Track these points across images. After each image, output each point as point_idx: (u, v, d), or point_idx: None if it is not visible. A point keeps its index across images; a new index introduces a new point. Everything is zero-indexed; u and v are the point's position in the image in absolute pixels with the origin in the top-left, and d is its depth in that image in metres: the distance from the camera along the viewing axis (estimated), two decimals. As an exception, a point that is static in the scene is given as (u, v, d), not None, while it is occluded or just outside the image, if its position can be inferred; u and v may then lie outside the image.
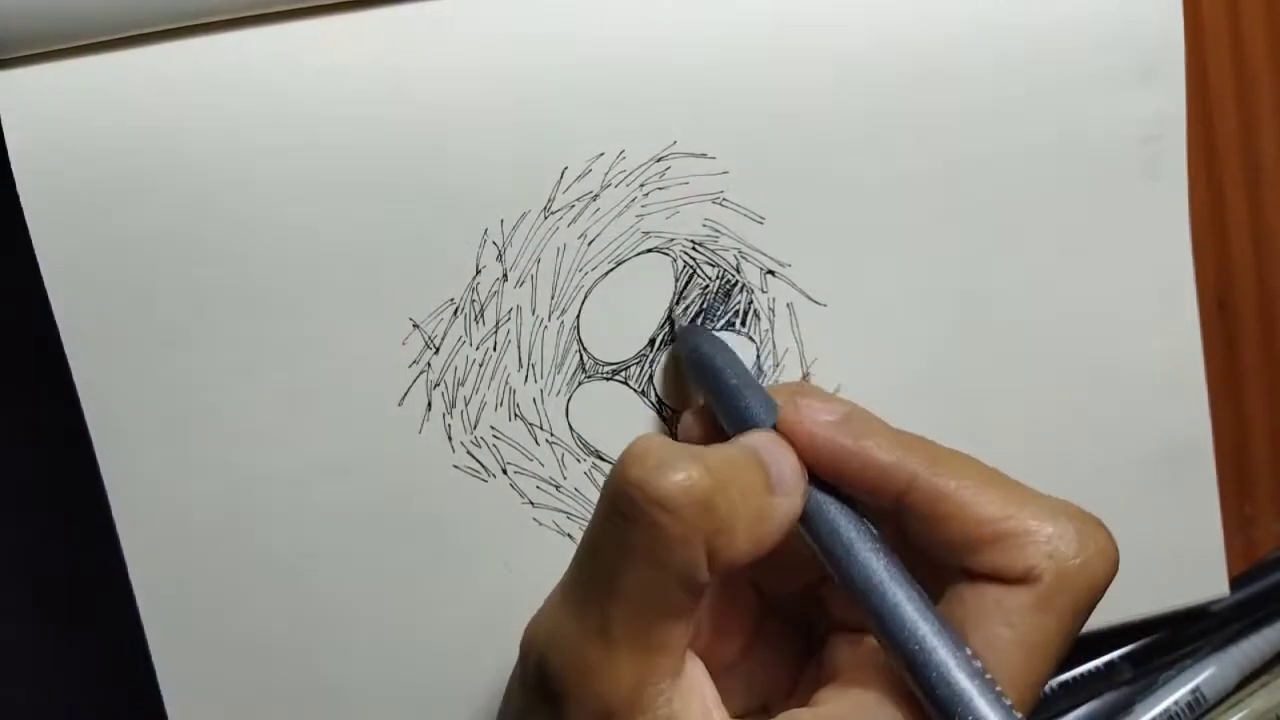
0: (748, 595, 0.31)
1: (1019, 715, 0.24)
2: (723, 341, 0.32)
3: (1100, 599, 0.26)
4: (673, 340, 0.33)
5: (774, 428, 0.28)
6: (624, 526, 0.25)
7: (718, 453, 0.26)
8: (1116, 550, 0.27)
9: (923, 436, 0.28)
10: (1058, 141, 0.34)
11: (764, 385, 0.30)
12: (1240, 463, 0.40)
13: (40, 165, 0.31)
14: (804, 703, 0.27)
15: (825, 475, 0.27)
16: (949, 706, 0.24)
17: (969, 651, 0.25)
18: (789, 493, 0.26)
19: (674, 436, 0.33)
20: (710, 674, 0.27)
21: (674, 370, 0.33)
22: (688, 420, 0.32)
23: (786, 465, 0.27)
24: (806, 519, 0.27)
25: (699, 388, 0.32)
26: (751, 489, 0.26)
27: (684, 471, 0.24)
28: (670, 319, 0.33)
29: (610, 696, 0.25)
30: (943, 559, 0.27)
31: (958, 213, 0.34)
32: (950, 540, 0.26)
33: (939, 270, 0.34)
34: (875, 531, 0.27)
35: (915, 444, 0.27)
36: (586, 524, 0.27)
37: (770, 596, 0.31)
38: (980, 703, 0.24)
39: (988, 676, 0.24)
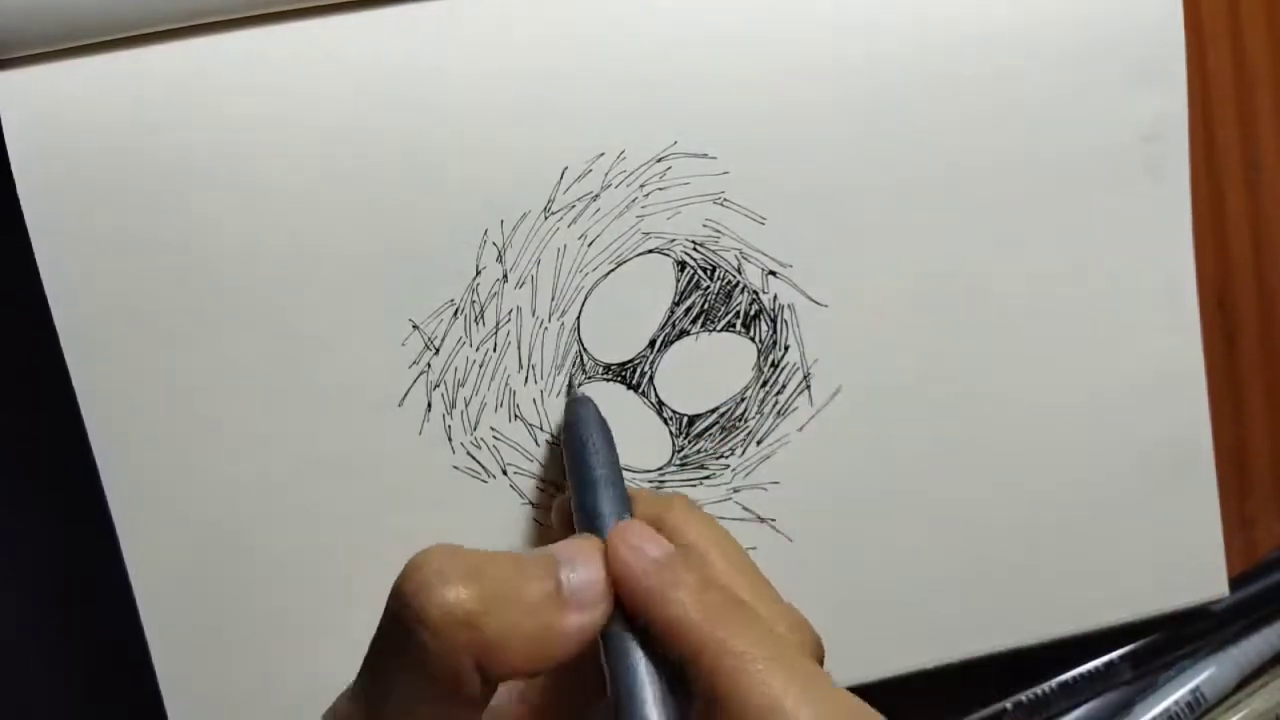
0: (568, 708, 0.30)
1: None
2: (606, 428, 0.31)
3: None
4: (569, 393, 0.33)
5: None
6: (397, 633, 0.25)
7: (507, 563, 0.26)
8: None
9: (736, 597, 0.27)
10: (1059, 142, 0.34)
11: (626, 488, 0.29)
12: (1240, 463, 0.40)
13: (40, 165, 0.31)
14: None
15: (631, 607, 0.26)
16: None
17: None
18: (584, 608, 0.26)
19: (672, 441, 0.34)
20: None
21: (554, 442, 0.33)
22: (559, 503, 0.31)
23: (585, 580, 0.26)
24: (608, 642, 0.26)
25: (567, 467, 0.31)
26: (534, 602, 0.25)
27: (453, 590, 0.24)
28: (570, 382, 0.33)
29: None
30: None
31: (958, 213, 0.34)
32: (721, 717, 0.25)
33: (939, 270, 0.34)
34: (664, 688, 0.26)
35: (718, 609, 0.26)
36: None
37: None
38: None
39: None
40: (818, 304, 0.34)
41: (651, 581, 0.26)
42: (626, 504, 0.29)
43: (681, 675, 0.26)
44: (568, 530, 0.29)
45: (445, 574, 0.25)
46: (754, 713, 0.25)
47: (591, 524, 0.28)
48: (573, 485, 0.30)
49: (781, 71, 0.33)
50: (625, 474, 0.34)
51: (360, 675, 0.26)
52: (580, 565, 0.26)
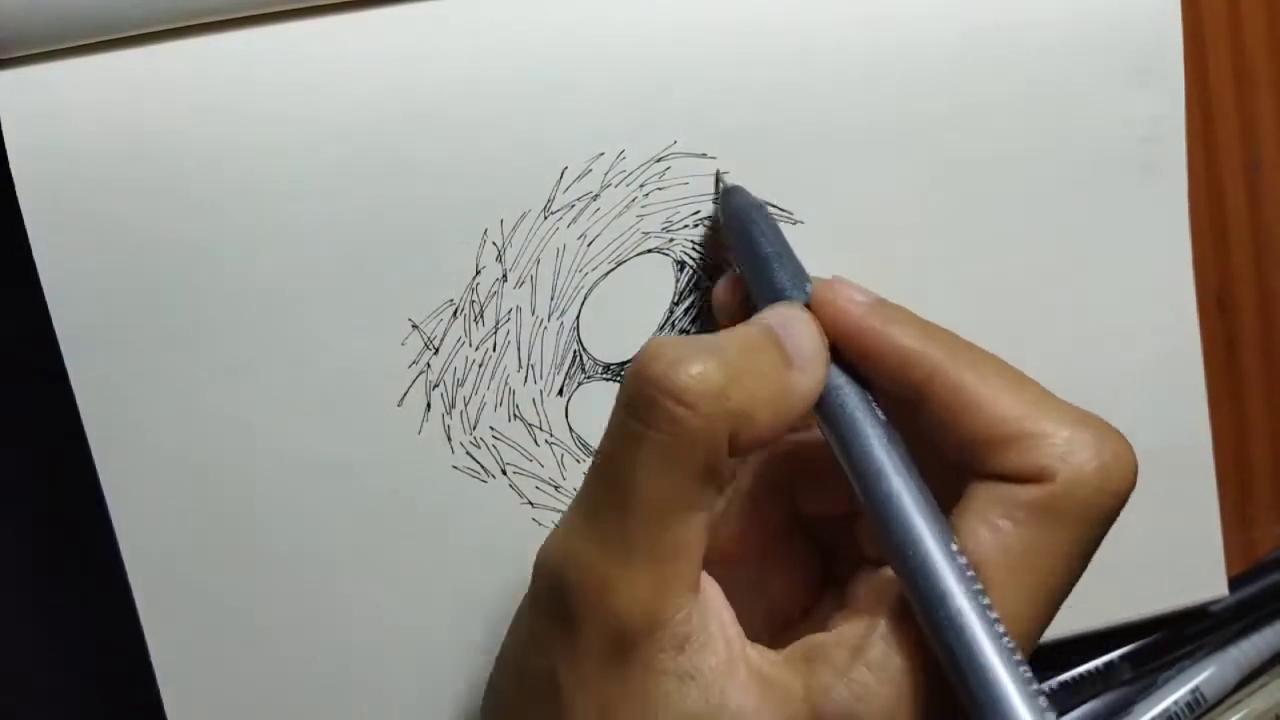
0: (775, 509, 0.30)
1: (994, 614, 0.24)
2: (764, 208, 0.31)
3: (1116, 512, 0.26)
4: (717, 199, 0.33)
5: (806, 304, 0.28)
6: (640, 427, 0.25)
7: (733, 338, 0.26)
8: (1135, 462, 0.26)
9: (953, 332, 0.27)
10: (1057, 141, 0.34)
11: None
12: (1240, 463, 0.40)
13: (40, 165, 0.31)
14: (819, 627, 0.27)
15: (850, 356, 0.27)
16: (929, 599, 0.24)
17: (954, 546, 0.24)
18: (807, 366, 0.26)
19: None
20: (725, 589, 0.27)
21: (713, 230, 0.33)
22: (720, 288, 0.32)
23: (805, 339, 0.27)
24: (821, 400, 0.27)
25: (735, 254, 0.31)
26: (769, 368, 0.26)
27: (699, 364, 0.25)
28: (717, 176, 0.33)
29: (626, 614, 0.25)
30: (957, 458, 0.26)
31: (958, 212, 0.34)
32: (965, 437, 0.26)
33: (939, 270, 0.34)
34: (885, 419, 0.26)
35: (943, 336, 0.27)
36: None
37: (804, 515, 0.31)
38: (962, 601, 0.24)
39: (969, 574, 0.24)
40: (817, 304, 0.34)
41: (873, 319, 0.27)
42: (804, 273, 0.29)
43: (907, 411, 0.27)
44: (744, 311, 0.30)
45: (690, 352, 0.25)
46: (1003, 422, 0.25)
47: (777, 297, 0.28)
48: (749, 268, 0.30)
49: (781, 71, 0.33)
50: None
51: (586, 502, 0.26)
52: (795, 328, 0.27)
